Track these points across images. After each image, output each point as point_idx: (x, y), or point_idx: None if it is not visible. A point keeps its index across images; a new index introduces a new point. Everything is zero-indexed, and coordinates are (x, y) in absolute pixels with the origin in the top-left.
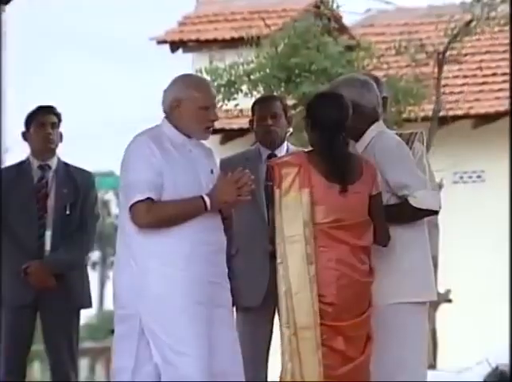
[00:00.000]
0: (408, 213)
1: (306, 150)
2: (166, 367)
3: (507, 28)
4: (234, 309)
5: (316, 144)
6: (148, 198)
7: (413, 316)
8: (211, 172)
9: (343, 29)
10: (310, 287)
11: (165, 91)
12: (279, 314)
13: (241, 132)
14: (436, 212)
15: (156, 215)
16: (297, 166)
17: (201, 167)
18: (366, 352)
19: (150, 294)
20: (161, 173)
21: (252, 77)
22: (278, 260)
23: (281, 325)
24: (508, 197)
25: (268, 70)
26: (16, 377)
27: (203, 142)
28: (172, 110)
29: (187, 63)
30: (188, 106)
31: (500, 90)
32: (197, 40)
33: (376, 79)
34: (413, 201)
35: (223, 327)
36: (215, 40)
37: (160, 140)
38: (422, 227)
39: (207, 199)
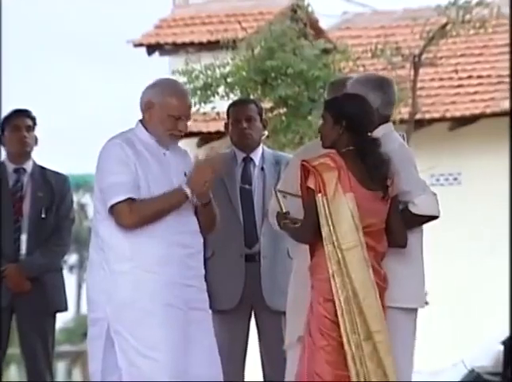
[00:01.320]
0: (408, 220)
1: (334, 150)
2: (132, 370)
3: (482, 31)
4: (210, 312)
5: (353, 146)
6: (128, 198)
7: (407, 320)
8: (185, 174)
9: (319, 31)
10: (374, 291)
11: (143, 92)
12: (340, 322)
13: (218, 135)
14: (435, 218)
15: (140, 213)
16: (337, 170)
17: (174, 169)
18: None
19: (118, 296)
20: (137, 175)
21: (228, 80)
22: (335, 267)
23: (342, 332)
24: (485, 199)
25: (244, 73)
26: None
27: (179, 144)
28: (144, 111)
29: (163, 66)
30: (159, 111)
31: (476, 93)
32: (173, 43)
33: (362, 85)
34: (413, 209)
35: (199, 330)
36: (191, 43)
37: (132, 143)
38: (420, 234)
39: (185, 188)
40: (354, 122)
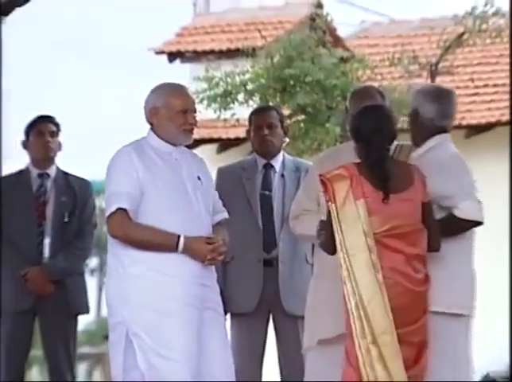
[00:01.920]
0: (452, 225)
1: (356, 161)
2: (151, 372)
3: (498, 40)
4: (229, 315)
5: (360, 155)
6: (122, 210)
7: (452, 326)
8: (198, 178)
9: (337, 40)
10: (381, 294)
11: (145, 102)
12: (352, 328)
13: (237, 141)
14: (480, 223)
15: (127, 233)
16: (349, 178)
17: (187, 174)
18: (421, 361)
19: (134, 299)
20: (140, 184)
21: (248, 87)
22: (344, 273)
23: (353, 338)
24: (503, 206)
25: (263, 80)
26: (15, 381)
27: (195, 152)
28: (152, 118)
29: (184, 73)
30: (165, 112)
31: (491, 101)
32: (194, 51)
33: (381, 93)
34: (457, 213)
35: (212, 329)
36: (211, 51)
37: (143, 150)
38: (464, 239)
39: (181, 242)
40: (356, 133)
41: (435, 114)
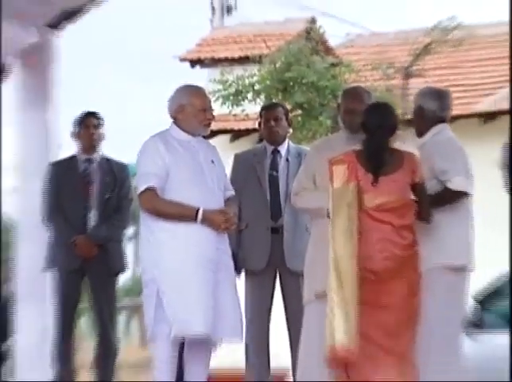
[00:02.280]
0: (446, 196)
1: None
2: (176, 325)
3: (460, 48)
4: (244, 273)
5: (363, 144)
6: (151, 189)
7: (451, 279)
8: (212, 161)
9: (328, 49)
10: (352, 255)
11: (170, 100)
12: (327, 285)
13: (246, 132)
14: (468, 195)
15: (155, 207)
16: (347, 163)
17: (203, 158)
18: (407, 306)
19: (162, 262)
20: (166, 167)
21: (255, 88)
22: (330, 239)
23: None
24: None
25: (268, 82)
26: (68, 330)
27: (212, 141)
28: (177, 114)
29: (203, 77)
30: (190, 109)
31: (457, 98)
32: (212, 58)
33: (368, 93)
34: (450, 185)
35: (225, 287)
36: (226, 59)
37: (167, 140)
38: (467, 210)
39: (200, 213)
40: (363, 126)
41: (437, 107)
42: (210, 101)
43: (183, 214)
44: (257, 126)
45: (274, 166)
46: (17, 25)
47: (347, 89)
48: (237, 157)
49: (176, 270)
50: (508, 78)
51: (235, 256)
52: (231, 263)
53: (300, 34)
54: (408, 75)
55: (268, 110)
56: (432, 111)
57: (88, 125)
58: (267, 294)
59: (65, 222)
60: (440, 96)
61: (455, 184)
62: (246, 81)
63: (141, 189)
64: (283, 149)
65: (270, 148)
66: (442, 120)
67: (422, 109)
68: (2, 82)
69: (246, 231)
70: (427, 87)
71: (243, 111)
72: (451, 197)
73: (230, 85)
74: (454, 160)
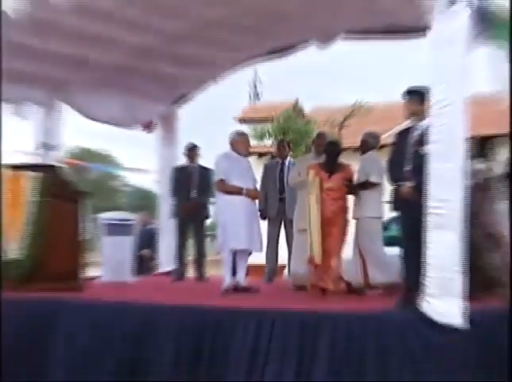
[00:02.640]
0: (367, 184)
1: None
2: (233, 242)
3: (362, 119)
4: (267, 219)
5: (323, 160)
6: (220, 179)
7: (374, 225)
8: (249, 167)
9: (303, 114)
10: (318, 209)
11: (230, 136)
12: (307, 228)
13: (264, 154)
14: (379, 184)
15: (223, 188)
16: (316, 168)
17: (246, 168)
18: (339, 229)
19: (226, 212)
20: (227, 169)
21: (269, 132)
22: (307, 206)
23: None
24: None
25: (275, 130)
26: (182, 260)
27: (249, 159)
28: (233, 145)
29: (245, 127)
30: (239, 144)
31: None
32: (250, 118)
33: (326, 134)
34: (371, 178)
35: (255, 223)
36: (257, 119)
37: (228, 156)
38: (379, 192)
39: (244, 191)
40: (325, 152)
41: (373, 141)
42: (249, 139)
43: (235, 190)
44: (272, 150)
45: (282, 169)
46: (150, 102)
47: (318, 133)
48: (264, 166)
49: (232, 215)
50: None
51: (262, 210)
52: (258, 212)
53: (291, 107)
54: (341, 126)
55: (279, 143)
56: (371, 143)
57: (193, 152)
58: (277, 233)
59: (180, 195)
60: (375, 136)
61: (372, 178)
62: (265, 129)
63: (216, 179)
64: (286, 161)
65: (280, 161)
66: (373, 147)
67: (366, 142)
68: (145, 130)
69: (268, 199)
70: (368, 131)
71: (263, 143)
72: (370, 185)
73: (256, 130)
74: (373, 167)
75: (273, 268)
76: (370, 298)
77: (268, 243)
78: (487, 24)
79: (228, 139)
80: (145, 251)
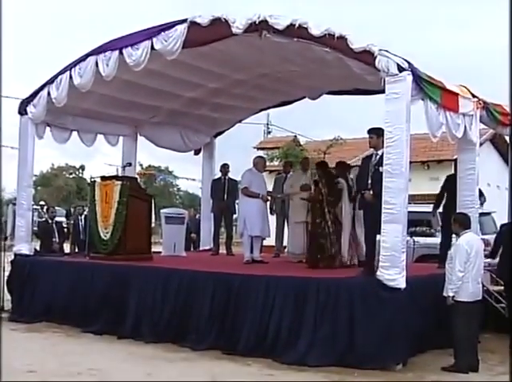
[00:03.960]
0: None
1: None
2: (250, 230)
3: (337, 149)
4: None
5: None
6: (245, 187)
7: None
8: (263, 181)
9: (299, 144)
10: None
11: (253, 159)
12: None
13: (273, 171)
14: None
15: (246, 193)
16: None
17: (261, 179)
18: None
19: (245, 209)
20: (250, 180)
21: (277, 156)
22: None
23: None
24: None
25: (281, 155)
26: (217, 241)
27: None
28: (255, 164)
29: (261, 153)
30: (259, 164)
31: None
32: (265, 147)
33: (309, 159)
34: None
35: (265, 216)
36: (270, 148)
37: (250, 172)
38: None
39: (261, 195)
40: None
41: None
42: (265, 161)
43: (254, 195)
44: (279, 168)
45: (285, 181)
46: (198, 135)
47: (303, 158)
48: (275, 179)
49: (250, 211)
50: None
51: (271, 208)
52: (268, 210)
53: (291, 141)
54: (324, 154)
55: (285, 163)
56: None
57: (225, 167)
58: (281, 222)
59: (216, 198)
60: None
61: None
62: (276, 153)
63: (242, 187)
64: (289, 175)
65: (284, 175)
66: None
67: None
68: (194, 153)
69: (275, 201)
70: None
71: (273, 163)
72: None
73: (270, 155)
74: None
75: (279, 248)
76: (345, 270)
77: (276, 230)
78: (423, 86)
79: (252, 160)
80: (193, 235)
